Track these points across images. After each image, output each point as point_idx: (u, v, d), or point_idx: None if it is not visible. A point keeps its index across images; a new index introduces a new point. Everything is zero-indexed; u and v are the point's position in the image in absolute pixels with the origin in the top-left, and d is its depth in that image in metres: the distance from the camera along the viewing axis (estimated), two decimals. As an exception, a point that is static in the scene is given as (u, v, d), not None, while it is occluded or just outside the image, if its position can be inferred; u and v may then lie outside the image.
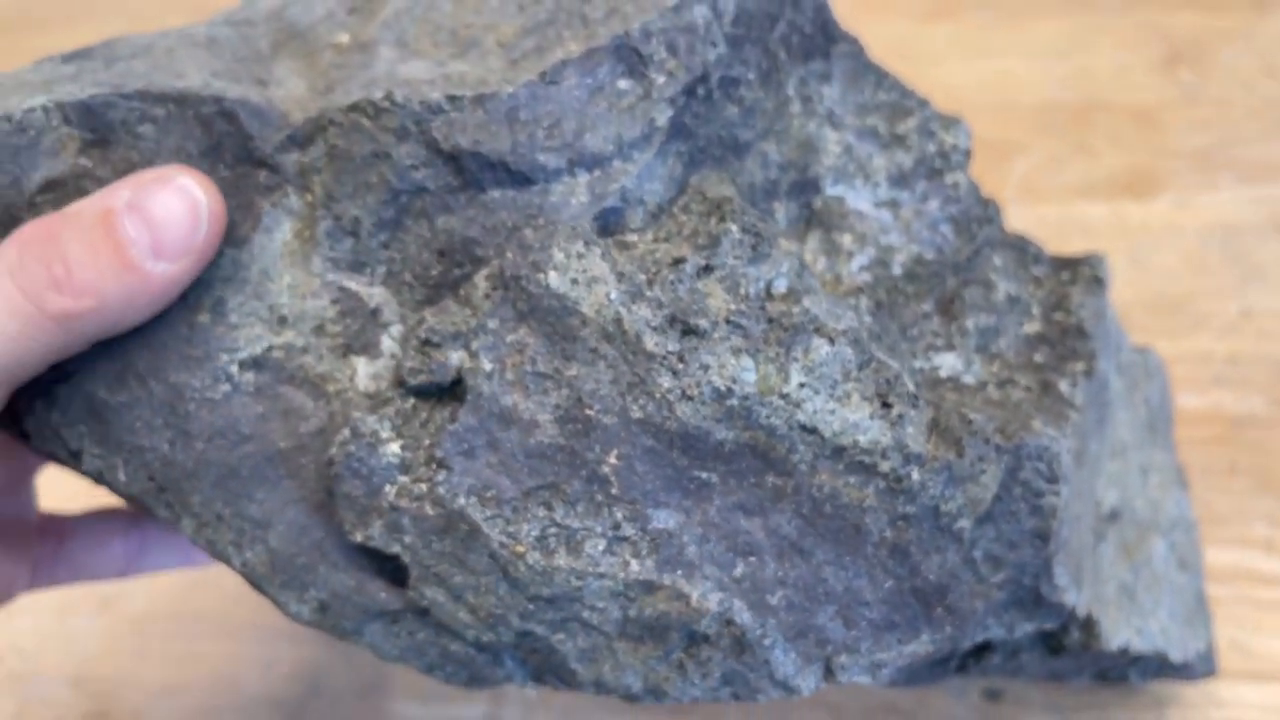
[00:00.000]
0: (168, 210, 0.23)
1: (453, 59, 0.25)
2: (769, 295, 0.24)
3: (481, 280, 0.24)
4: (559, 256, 0.23)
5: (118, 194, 0.23)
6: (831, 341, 0.24)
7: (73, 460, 0.26)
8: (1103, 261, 0.29)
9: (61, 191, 0.25)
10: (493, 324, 0.24)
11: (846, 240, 0.27)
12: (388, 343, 0.25)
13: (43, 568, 0.32)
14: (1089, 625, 0.28)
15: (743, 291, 0.24)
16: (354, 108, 0.24)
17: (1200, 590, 0.34)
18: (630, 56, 0.24)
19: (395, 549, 0.24)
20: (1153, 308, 0.45)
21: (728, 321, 0.24)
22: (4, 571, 0.31)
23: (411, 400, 0.24)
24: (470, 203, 0.24)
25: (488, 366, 0.24)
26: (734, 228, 0.24)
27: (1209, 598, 0.38)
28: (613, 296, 0.23)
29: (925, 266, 0.28)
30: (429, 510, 0.24)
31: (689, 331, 0.23)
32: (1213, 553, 0.39)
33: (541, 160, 0.24)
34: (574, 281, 0.23)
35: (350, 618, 0.26)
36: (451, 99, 0.24)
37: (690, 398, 0.23)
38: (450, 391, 0.24)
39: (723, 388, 0.23)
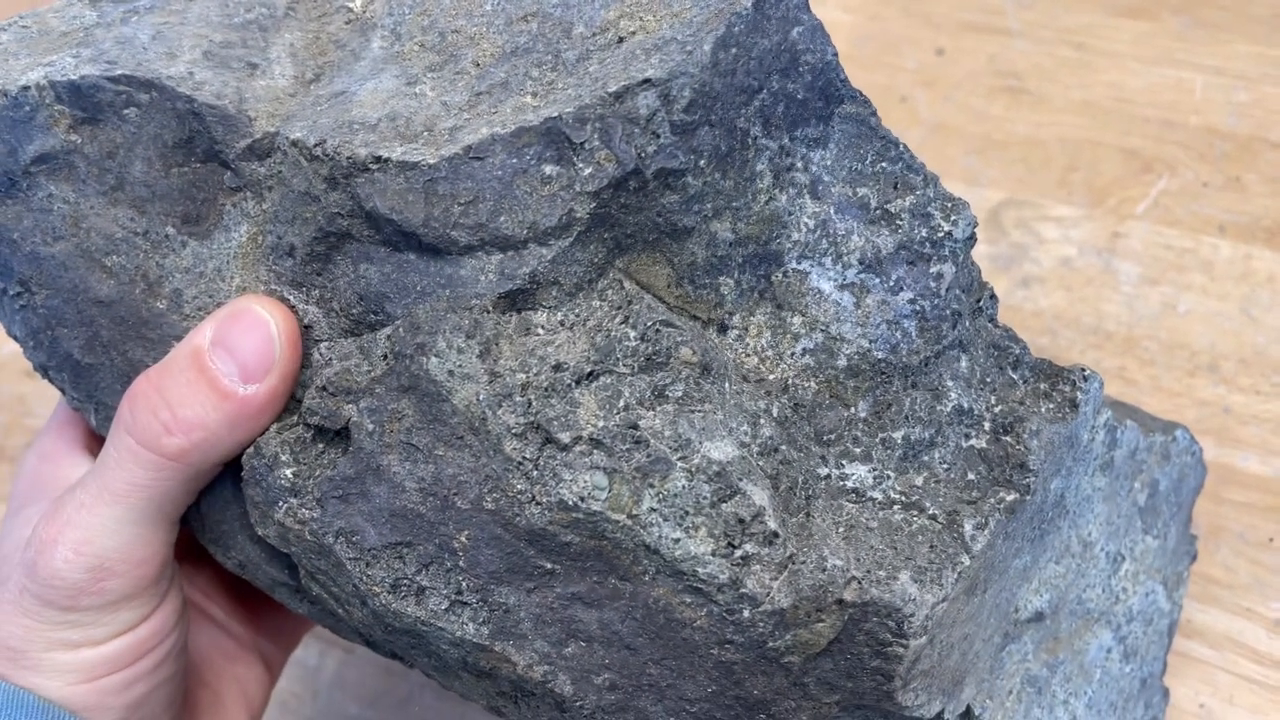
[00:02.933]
0: (245, 338, 0.26)
1: (426, 73, 0.26)
2: (655, 398, 0.24)
3: (382, 339, 0.25)
4: (441, 344, 0.24)
5: (202, 333, 0.26)
6: (690, 475, 0.24)
7: (65, 395, 0.30)
8: (1093, 380, 0.27)
9: (53, 164, 0.27)
10: (380, 389, 0.25)
11: (796, 322, 0.26)
12: (316, 357, 0.26)
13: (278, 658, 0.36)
14: (968, 715, 0.27)
15: (620, 404, 0.24)
16: (295, 144, 0.25)
17: (1151, 676, 0.34)
18: (560, 141, 0.23)
19: (286, 550, 0.27)
20: (1248, 363, 0.43)
21: (591, 439, 0.24)
22: (260, 676, 0.35)
23: (312, 430, 0.26)
24: (387, 258, 0.25)
25: (370, 426, 0.25)
26: (632, 334, 0.24)
27: (1194, 658, 0.37)
28: (481, 397, 0.24)
29: (872, 365, 0.26)
30: (307, 536, 0.26)
31: (549, 441, 0.24)
32: (1214, 614, 0.38)
33: (453, 235, 0.24)
34: (450, 373, 0.24)
35: (262, 580, 0.30)
36: (377, 159, 0.24)
37: (539, 503, 0.24)
38: (344, 432, 0.26)
39: (570, 502, 0.23)
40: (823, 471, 0.26)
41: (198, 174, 0.27)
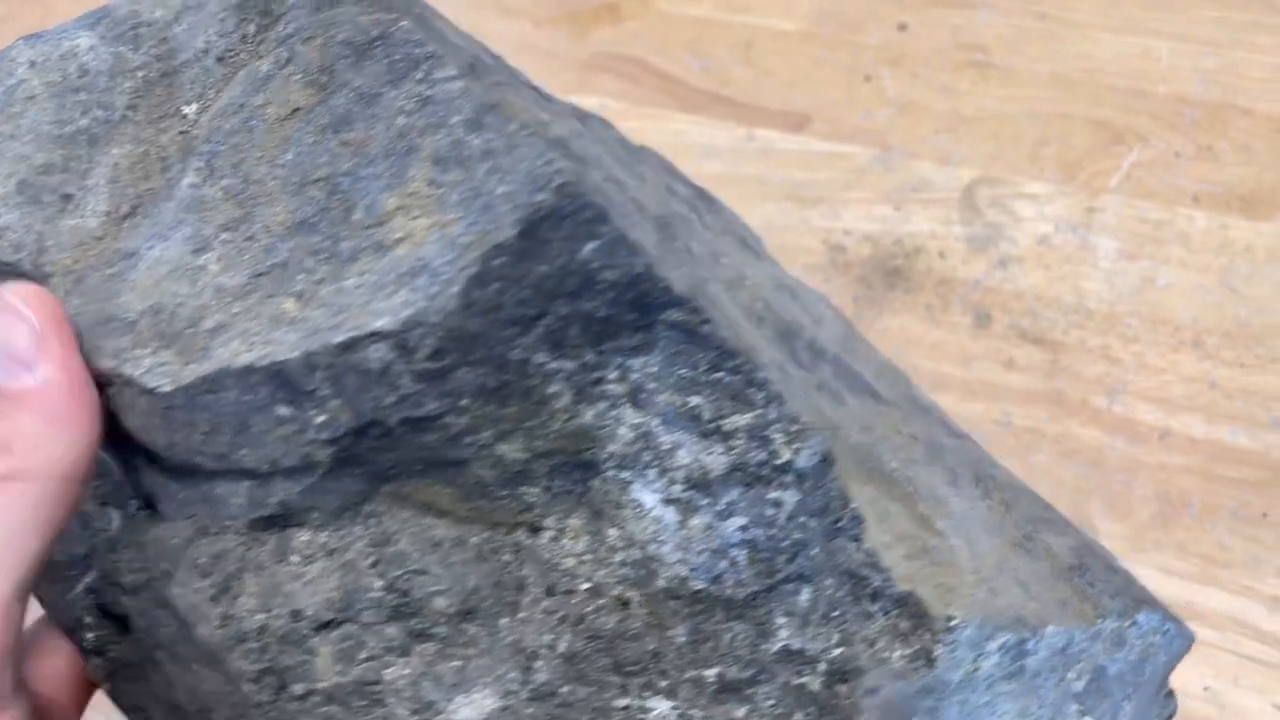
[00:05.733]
0: (5, 329, 0.23)
1: (219, 234, 0.23)
2: (409, 641, 0.23)
3: (151, 540, 0.24)
4: (181, 577, 0.23)
5: None
6: None
7: None
8: (961, 630, 0.23)
9: None
10: (145, 595, 0.24)
11: (613, 534, 0.23)
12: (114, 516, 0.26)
13: None
14: None
15: (361, 655, 0.23)
16: None
17: None
18: (288, 385, 0.21)
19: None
20: (1231, 336, 0.43)
21: (325, 693, 0.23)
22: None
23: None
24: (153, 464, 0.24)
25: (141, 624, 0.25)
26: (378, 584, 0.23)
27: (1196, 641, 0.37)
28: (215, 639, 0.23)
29: (691, 594, 0.23)
30: (112, 698, 0.26)
31: (284, 689, 0.23)
32: (1216, 596, 0.38)
33: (198, 462, 0.22)
34: (192, 606, 0.23)
35: None
36: (120, 376, 0.22)
37: None
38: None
39: None
40: (621, 703, 0.24)
41: None
